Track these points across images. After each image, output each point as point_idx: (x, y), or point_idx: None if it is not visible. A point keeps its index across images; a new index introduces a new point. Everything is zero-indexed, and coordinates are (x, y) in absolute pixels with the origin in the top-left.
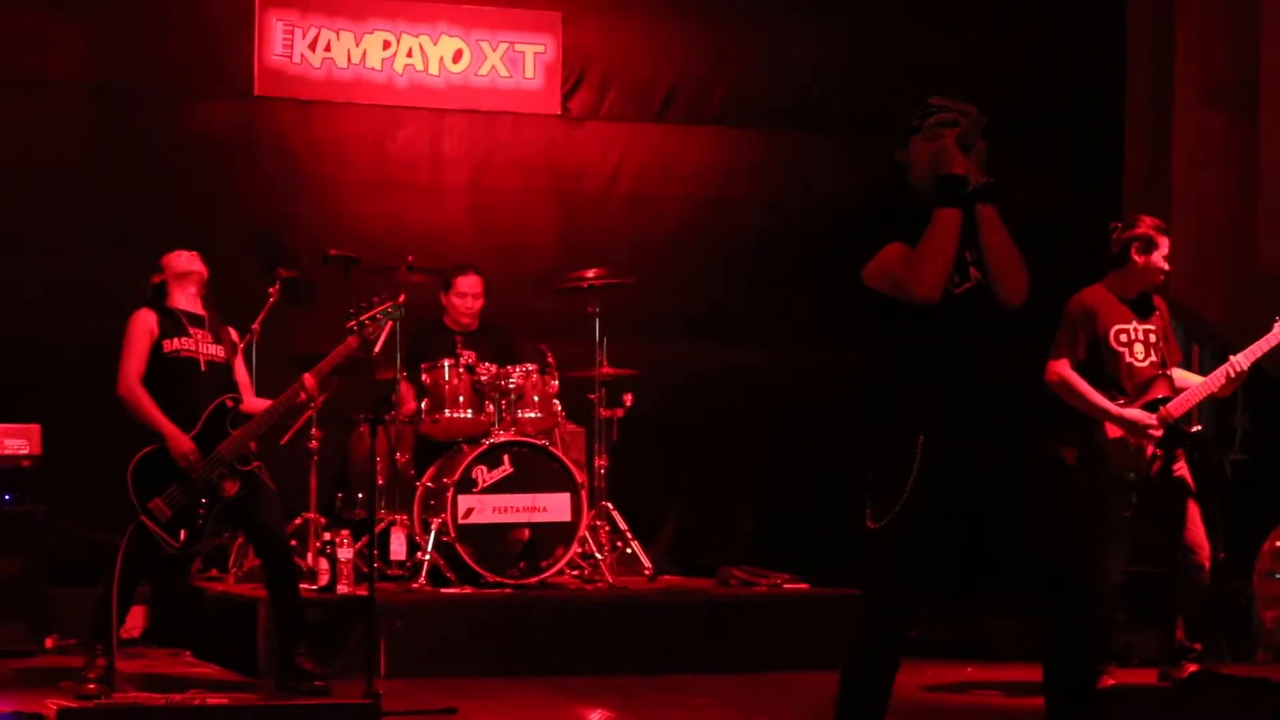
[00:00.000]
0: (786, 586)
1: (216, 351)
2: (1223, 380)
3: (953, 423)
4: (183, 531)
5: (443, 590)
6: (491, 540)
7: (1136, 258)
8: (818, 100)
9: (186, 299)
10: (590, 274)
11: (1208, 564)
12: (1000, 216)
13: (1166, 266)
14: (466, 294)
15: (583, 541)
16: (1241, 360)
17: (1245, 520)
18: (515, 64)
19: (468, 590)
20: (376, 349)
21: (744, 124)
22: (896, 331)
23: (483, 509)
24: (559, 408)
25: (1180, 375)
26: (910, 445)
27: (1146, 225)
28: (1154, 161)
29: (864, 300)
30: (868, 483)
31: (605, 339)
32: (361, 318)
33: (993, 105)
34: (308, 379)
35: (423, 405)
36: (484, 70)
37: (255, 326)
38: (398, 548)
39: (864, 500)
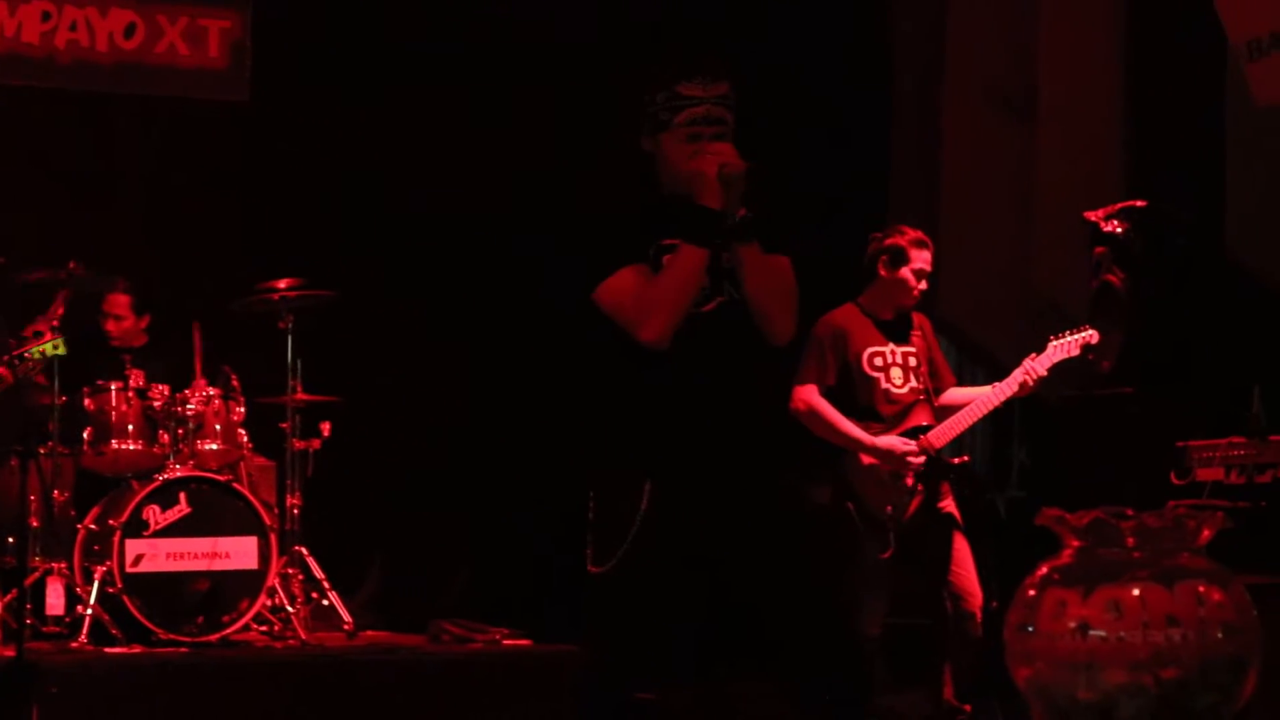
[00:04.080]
0: (506, 643)
1: None
2: (1006, 396)
3: (686, 465)
4: None
5: (107, 650)
6: (165, 591)
7: (882, 272)
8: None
9: None
10: (282, 284)
11: (979, 613)
12: (761, 252)
13: (917, 284)
14: (109, 314)
15: (272, 592)
16: (1039, 366)
17: (1022, 565)
18: (197, 40)
19: (137, 649)
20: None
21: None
22: (627, 356)
23: (155, 555)
24: (245, 438)
25: (961, 393)
26: (637, 487)
27: (898, 236)
28: (922, 170)
29: (593, 320)
30: (589, 520)
31: (300, 360)
32: (20, 351)
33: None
34: None
35: (85, 435)
36: (160, 47)
37: None
38: (54, 601)
39: (585, 539)
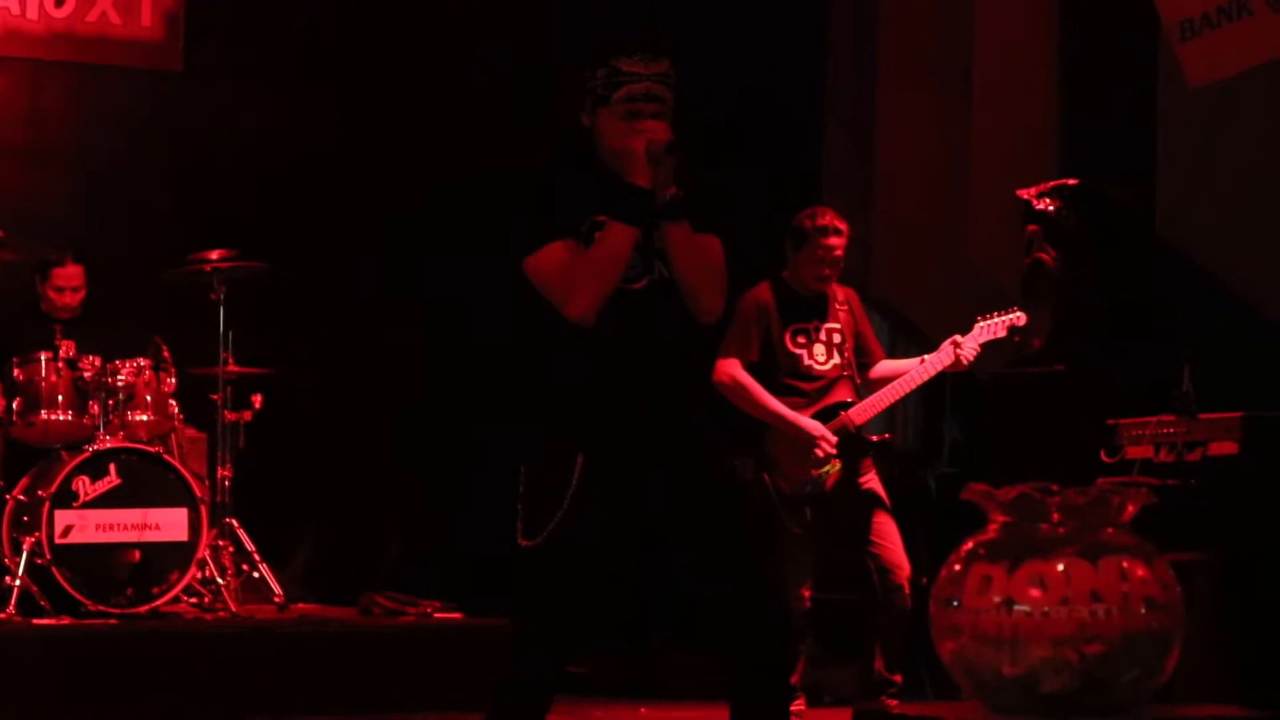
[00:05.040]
0: (437, 615)
1: None
2: (931, 374)
3: (618, 441)
4: None
5: (35, 621)
6: (95, 562)
7: (790, 253)
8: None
9: None
10: (214, 255)
11: (907, 586)
12: (691, 231)
13: (818, 268)
14: (65, 288)
15: (202, 564)
16: (967, 347)
17: (953, 540)
18: (129, 10)
19: (65, 621)
20: None
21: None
22: (558, 331)
23: (84, 526)
24: (176, 409)
25: (890, 365)
26: (568, 462)
27: (804, 216)
28: (856, 145)
29: (524, 291)
30: (519, 494)
31: (231, 331)
32: None
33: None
34: None
35: (14, 405)
36: (92, 16)
37: None
38: None
39: (516, 513)
